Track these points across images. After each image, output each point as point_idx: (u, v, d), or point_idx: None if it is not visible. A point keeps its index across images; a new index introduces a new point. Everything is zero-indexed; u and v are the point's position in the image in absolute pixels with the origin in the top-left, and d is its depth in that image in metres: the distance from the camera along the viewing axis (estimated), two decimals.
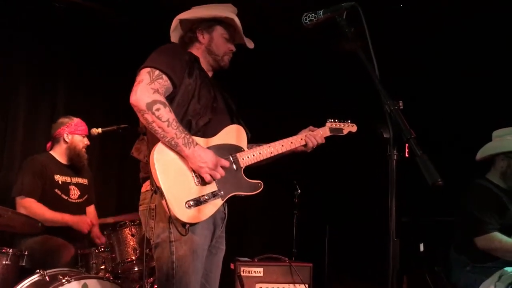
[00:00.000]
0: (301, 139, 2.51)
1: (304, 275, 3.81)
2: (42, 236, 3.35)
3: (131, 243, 3.23)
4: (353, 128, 2.71)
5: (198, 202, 2.12)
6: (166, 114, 2.07)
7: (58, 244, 3.37)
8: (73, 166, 3.74)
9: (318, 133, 2.56)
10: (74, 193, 3.69)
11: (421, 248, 3.32)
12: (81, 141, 3.74)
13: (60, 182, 3.63)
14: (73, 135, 3.72)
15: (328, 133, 2.61)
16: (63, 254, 3.32)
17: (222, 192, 2.19)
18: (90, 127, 3.62)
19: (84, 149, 3.76)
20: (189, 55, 2.31)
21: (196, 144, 2.13)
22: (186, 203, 2.08)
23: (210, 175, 2.13)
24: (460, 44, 4.70)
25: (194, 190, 2.12)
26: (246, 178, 2.27)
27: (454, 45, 4.72)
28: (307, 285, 3.76)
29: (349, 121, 2.69)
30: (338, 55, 4.25)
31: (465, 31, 4.56)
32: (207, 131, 2.24)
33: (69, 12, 4.49)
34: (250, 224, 5.41)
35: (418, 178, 1.70)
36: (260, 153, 2.34)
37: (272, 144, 2.41)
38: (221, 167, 2.17)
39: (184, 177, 2.12)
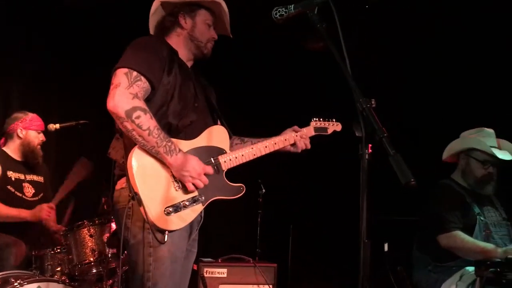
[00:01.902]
0: (285, 139, 2.42)
1: (268, 275, 3.78)
2: None
3: (89, 244, 3.11)
4: (338, 127, 2.62)
5: (177, 208, 2.04)
6: (146, 121, 1.97)
7: (9, 241, 3.23)
8: (27, 163, 3.60)
9: (305, 133, 2.49)
10: (29, 190, 3.55)
11: (386, 248, 3.34)
12: (36, 137, 3.59)
13: (13, 179, 3.49)
14: (27, 130, 3.57)
15: (312, 133, 2.53)
16: (14, 252, 3.19)
17: (203, 197, 2.12)
18: (47, 122, 3.50)
19: (39, 146, 3.61)
20: (167, 49, 2.19)
21: (179, 151, 2.05)
22: (165, 209, 2.00)
23: (193, 184, 2.06)
24: (428, 45, 4.77)
25: (174, 195, 2.05)
26: (228, 182, 2.21)
27: (421, 47, 4.79)
28: (271, 286, 3.75)
29: (334, 120, 2.61)
30: (310, 51, 4.24)
31: (434, 30, 4.63)
32: (189, 133, 2.16)
33: (23, 3, 4.30)
34: (213, 224, 5.33)
35: (382, 176, 1.69)
36: (242, 155, 2.26)
37: (255, 145, 2.33)
38: (205, 174, 2.10)
39: (163, 183, 2.04)
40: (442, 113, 4.75)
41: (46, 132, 3.58)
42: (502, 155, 3.15)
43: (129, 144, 2.07)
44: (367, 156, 1.50)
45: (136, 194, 1.96)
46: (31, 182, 3.60)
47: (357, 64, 1.70)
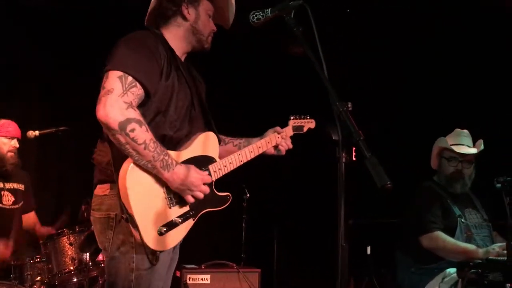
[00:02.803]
0: (268, 142, 2.34)
1: (252, 281, 3.76)
2: None
3: (69, 253, 3.06)
4: (312, 124, 2.54)
5: (170, 226, 1.90)
6: (142, 135, 1.79)
7: None
8: (2, 171, 3.47)
9: (286, 134, 2.42)
10: (8, 199, 3.46)
11: (368, 250, 3.35)
12: (5, 144, 3.44)
13: None
14: None
15: (291, 133, 2.46)
16: None
17: (193, 212, 1.99)
18: (27, 129, 3.43)
19: (10, 153, 3.45)
20: (165, 49, 1.98)
21: (176, 164, 1.89)
22: (158, 229, 1.86)
23: (193, 196, 1.94)
24: (410, 47, 4.81)
25: (167, 213, 1.91)
26: (216, 192, 2.09)
27: (403, 49, 4.82)
28: None
29: (308, 117, 2.54)
30: (287, 54, 4.24)
31: (411, 33, 4.67)
32: (183, 143, 2.02)
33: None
34: (196, 229, 5.31)
35: (364, 180, 1.68)
36: (231, 163, 2.16)
37: (242, 151, 2.23)
38: (204, 183, 1.97)
39: (156, 201, 1.89)
40: (422, 115, 4.79)
41: (25, 139, 3.49)
42: (463, 150, 3.19)
43: (117, 154, 1.89)
44: (344, 160, 1.50)
45: (131, 216, 1.81)
46: (11, 190, 3.52)
47: (334, 67, 1.70)
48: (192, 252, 4.91)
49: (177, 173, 1.87)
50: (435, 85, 4.83)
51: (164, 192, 1.90)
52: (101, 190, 1.98)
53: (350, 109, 1.52)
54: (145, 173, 1.86)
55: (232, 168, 2.16)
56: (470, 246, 2.99)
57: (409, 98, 4.95)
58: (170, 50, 2.02)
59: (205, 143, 2.08)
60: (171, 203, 1.92)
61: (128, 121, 1.77)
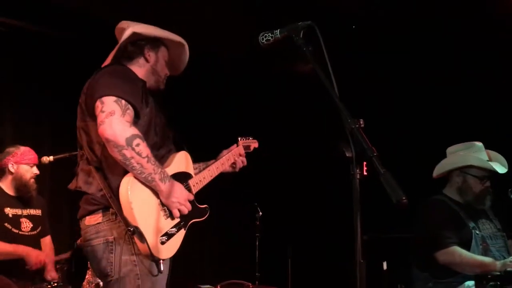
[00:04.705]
0: (228, 159, 2.56)
1: None
2: None
3: (87, 276, 3.08)
4: (256, 144, 2.77)
5: (169, 236, 2.08)
6: (145, 149, 1.98)
7: (2, 285, 3.16)
8: (22, 198, 3.55)
9: (242, 152, 2.64)
10: (26, 225, 3.50)
11: (384, 266, 3.32)
12: (28, 171, 3.54)
13: (10, 215, 3.44)
14: (19, 165, 3.52)
15: (243, 151, 2.67)
16: None
17: (183, 222, 2.16)
18: (40, 155, 3.49)
19: (32, 180, 3.56)
20: (140, 80, 2.22)
21: (170, 178, 2.08)
22: (160, 239, 2.02)
23: (179, 210, 2.11)
24: (414, 63, 4.84)
25: (164, 223, 2.08)
26: (197, 204, 2.27)
27: (407, 64, 4.86)
28: None
29: (251, 138, 2.77)
30: (298, 75, 4.31)
31: (418, 50, 4.71)
32: (163, 161, 2.19)
33: (13, 37, 4.33)
34: (211, 249, 5.31)
35: (378, 195, 1.69)
36: (204, 178, 2.38)
37: (210, 167, 2.44)
38: (188, 200, 2.16)
39: (155, 212, 2.06)
40: (424, 129, 4.80)
41: (39, 164, 3.55)
42: (499, 168, 3.16)
43: (112, 176, 2.03)
44: (358, 176, 1.51)
45: (137, 228, 1.93)
46: (29, 217, 3.55)
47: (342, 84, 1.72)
48: (207, 272, 4.94)
49: (170, 187, 2.06)
50: (433, 99, 4.85)
51: (159, 204, 2.07)
52: (93, 219, 2.08)
53: (362, 126, 1.54)
54: (142, 186, 2.02)
55: (206, 183, 2.38)
56: (487, 259, 2.96)
57: (411, 113, 4.98)
58: (142, 81, 2.22)
59: (182, 161, 2.29)
60: (165, 214, 2.08)
61: (134, 136, 1.95)
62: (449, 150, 3.39)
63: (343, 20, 4.43)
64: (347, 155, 1.52)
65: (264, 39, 1.92)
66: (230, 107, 5.37)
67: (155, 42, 2.33)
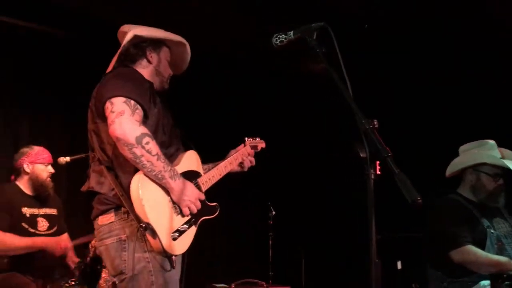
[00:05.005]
0: (236, 159, 2.59)
1: None
2: (7, 273, 3.21)
3: (103, 275, 3.12)
4: (263, 144, 2.80)
5: (180, 232, 2.12)
6: (154, 147, 2.02)
7: (20, 283, 3.21)
8: (39, 197, 3.60)
9: (247, 151, 2.67)
10: (43, 224, 3.55)
11: (399, 265, 3.32)
12: (43, 171, 3.59)
13: (27, 215, 3.49)
14: (34, 164, 3.58)
15: (251, 151, 2.71)
16: None
17: (194, 219, 2.20)
18: (57, 155, 3.54)
19: (48, 178, 3.61)
20: (147, 81, 2.27)
21: (180, 176, 2.12)
22: (171, 235, 2.06)
23: (189, 208, 2.14)
24: (427, 62, 4.82)
25: (176, 220, 2.11)
26: (208, 203, 2.30)
27: (420, 63, 4.84)
28: None
29: (259, 138, 2.80)
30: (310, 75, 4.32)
31: (431, 49, 4.69)
32: (173, 160, 2.22)
33: (29, 39, 4.40)
34: (224, 249, 5.34)
35: (391, 194, 1.70)
36: (213, 176, 2.41)
37: (218, 166, 2.47)
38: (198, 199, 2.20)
39: (166, 209, 2.10)
40: (437, 128, 4.78)
41: (56, 165, 3.60)
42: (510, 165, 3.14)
43: (123, 174, 2.07)
44: (372, 176, 1.52)
45: (149, 224, 1.98)
46: (45, 216, 3.60)
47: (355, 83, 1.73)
48: (221, 272, 4.97)
49: (180, 184, 2.10)
50: (448, 99, 4.83)
51: (169, 201, 2.11)
52: (105, 219, 2.13)
53: (376, 126, 1.55)
54: (153, 184, 2.05)
55: (214, 182, 2.42)
56: (503, 258, 2.94)
57: (423, 111, 4.95)
58: (149, 82, 2.26)
59: (190, 159, 2.34)
60: (176, 211, 2.11)
61: (143, 135, 1.99)
62: (462, 148, 3.38)
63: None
64: (361, 155, 1.53)
65: (278, 40, 1.94)
66: (239, 107, 5.39)
67: (156, 43, 2.38)
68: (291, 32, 1.91)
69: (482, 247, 3.03)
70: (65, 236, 3.75)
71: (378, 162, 1.54)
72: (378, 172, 1.54)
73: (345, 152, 2.66)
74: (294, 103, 5.45)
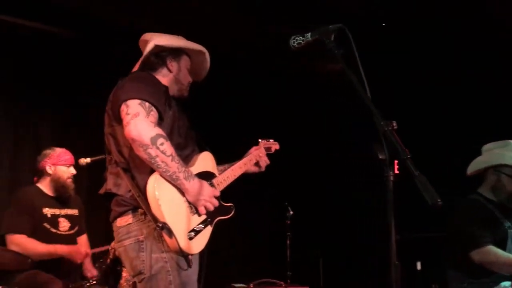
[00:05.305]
0: (250, 159, 2.62)
1: None
2: (31, 271, 3.26)
3: (124, 274, 3.16)
4: (277, 145, 2.82)
5: (196, 232, 2.14)
6: (169, 148, 2.05)
7: (45, 280, 3.26)
8: (60, 198, 3.66)
9: (263, 152, 2.69)
10: (64, 225, 3.61)
11: (418, 266, 3.30)
12: (65, 172, 3.64)
13: (49, 215, 3.55)
14: (56, 166, 3.63)
15: (264, 152, 2.73)
16: None
17: (210, 219, 2.23)
18: (78, 157, 3.60)
19: (69, 179, 3.66)
20: (163, 85, 2.31)
21: (194, 177, 2.15)
22: (188, 234, 2.09)
23: (205, 207, 2.17)
24: (446, 61, 4.78)
25: (191, 220, 2.14)
26: (223, 203, 2.33)
27: (439, 62, 4.80)
28: None
29: (272, 140, 2.82)
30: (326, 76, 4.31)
31: (450, 47, 4.64)
32: (188, 162, 2.25)
33: (47, 43, 4.46)
34: (241, 249, 5.36)
35: (410, 194, 1.70)
36: (228, 177, 2.44)
37: (233, 167, 2.50)
38: (214, 197, 2.22)
39: (181, 209, 2.13)
40: (460, 126, 4.73)
41: (76, 166, 3.66)
42: None
43: (139, 174, 2.11)
44: (392, 178, 1.52)
45: (165, 224, 2.01)
46: (66, 216, 3.66)
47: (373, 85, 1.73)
48: (239, 271, 4.99)
49: (195, 185, 2.12)
50: (471, 97, 4.77)
51: (185, 201, 2.14)
52: (123, 221, 2.17)
53: (395, 127, 1.55)
54: (168, 185, 2.08)
55: (229, 182, 2.44)
56: None
57: (446, 110, 4.91)
58: (165, 86, 2.31)
59: (205, 161, 2.37)
60: (192, 211, 2.14)
61: (158, 136, 2.03)
62: (485, 148, 3.35)
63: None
64: (380, 157, 1.53)
65: (295, 42, 1.94)
66: (252, 109, 5.39)
67: (176, 52, 2.42)
68: (309, 34, 1.91)
69: (503, 248, 3.00)
70: (84, 238, 3.81)
71: (396, 162, 1.54)
72: (396, 172, 1.54)
73: (364, 153, 2.65)
74: (309, 103, 5.44)
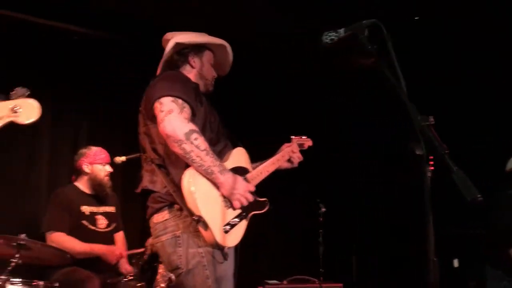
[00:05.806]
0: (283, 156, 2.64)
1: None
2: (70, 267, 3.35)
3: (160, 270, 3.21)
4: (310, 142, 2.82)
5: (232, 225, 2.17)
6: (203, 143, 2.09)
7: (83, 277, 3.33)
8: (98, 195, 3.74)
9: (295, 149, 2.69)
10: (102, 222, 3.69)
11: (455, 263, 3.23)
12: (101, 170, 3.72)
13: (87, 213, 3.64)
14: (93, 165, 3.71)
15: (297, 148, 2.73)
16: (88, 286, 3.28)
17: (245, 213, 2.25)
18: (114, 155, 3.66)
19: (106, 177, 3.74)
20: (193, 82, 2.35)
21: (228, 171, 2.17)
22: (223, 228, 2.12)
23: (239, 201, 2.18)
24: (485, 54, 4.66)
25: (226, 214, 2.16)
26: (257, 198, 2.34)
27: (476, 56, 4.67)
28: None
29: (306, 136, 2.82)
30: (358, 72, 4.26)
31: (486, 39, 4.52)
32: (221, 157, 2.27)
33: (84, 45, 4.55)
34: (275, 246, 5.36)
35: (447, 190, 1.66)
36: (261, 173, 2.45)
37: (266, 163, 2.52)
38: (249, 191, 2.23)
39: (217, 203, 2.15)
40: (494, 122, 4.60)
41: (112, 164, 3.73)
42: None
43: (174, 170, 2.15)
44: (429, 174, 1.50)
45: (201, 217, 2.04)
46: (104, 214, 3.73)
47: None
48: (272, 268, 5.00)
49: (229, 179, 2.14)
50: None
51: (220, 195, 2.16)
52: (160, 217, 2.21)
53: (432, 123, 1.52)
54: (203, 179, 2.11)
55: (263, 177, 2.46)
56: None
57: (484, 106, 4.78)
58: (195, 83, 2.35)
59: (239, 156, 2.40)
60: (227, 205, 2.17)
61: (192, 131, 2.07)
62: None
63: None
64: (417, 153, 1.51)
65: (328, 38, 1.93)
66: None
67: (198, 48, 2.46)
68: (342, 30, 1.89)
69: None
70: (121, 235, 3.88)
71: (431, 157, 1.52)
72: (432, 168, 1.52)
73: (401, 149, 2.62)
74: (345, 97, 5.38)
